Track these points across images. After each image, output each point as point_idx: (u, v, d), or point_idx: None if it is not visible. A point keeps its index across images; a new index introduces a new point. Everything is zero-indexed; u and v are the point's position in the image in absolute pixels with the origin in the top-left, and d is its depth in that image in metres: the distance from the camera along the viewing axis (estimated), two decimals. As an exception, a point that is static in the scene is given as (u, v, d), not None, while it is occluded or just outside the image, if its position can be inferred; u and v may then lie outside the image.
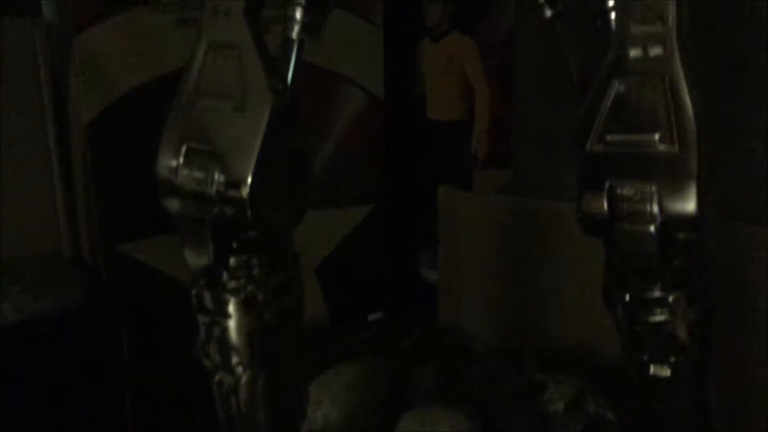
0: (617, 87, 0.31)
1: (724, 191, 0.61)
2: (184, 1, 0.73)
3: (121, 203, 0.74)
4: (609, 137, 0.32)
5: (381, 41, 0.85)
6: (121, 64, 0.73)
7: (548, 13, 0.33)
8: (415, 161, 0.97)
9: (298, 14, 0.31)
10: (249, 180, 0.30)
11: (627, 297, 0.34)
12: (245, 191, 0.30)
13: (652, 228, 0.32)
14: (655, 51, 0.30)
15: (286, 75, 0.32)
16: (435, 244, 0.81)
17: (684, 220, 0.32)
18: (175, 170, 0.32)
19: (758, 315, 0.57)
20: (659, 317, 0.34)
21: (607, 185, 0.32)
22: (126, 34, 0.72)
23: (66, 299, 0.74)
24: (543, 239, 0.76)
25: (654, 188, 0.32)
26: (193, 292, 0.33)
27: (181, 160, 0.32)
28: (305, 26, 0.31)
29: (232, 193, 0.31)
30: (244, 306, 0.32)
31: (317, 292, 0.88)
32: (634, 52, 0.30)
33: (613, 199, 0.33)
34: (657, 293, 0.34)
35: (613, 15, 0.32)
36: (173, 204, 0.32)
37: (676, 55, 0.30)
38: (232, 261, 0.32)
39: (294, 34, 0.31)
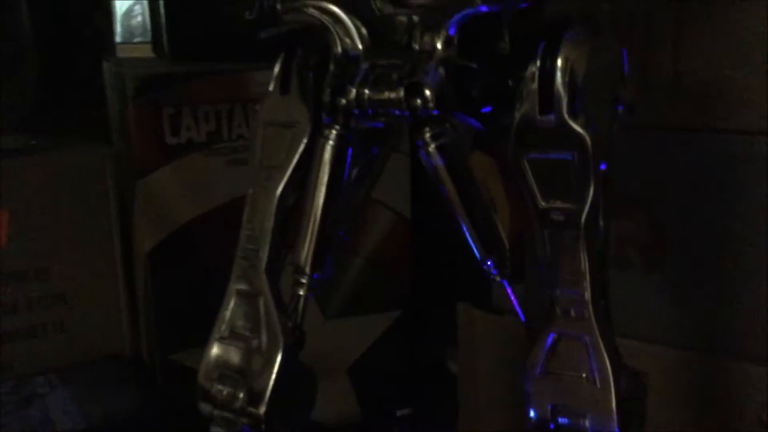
0: (550, 335, 0.39)
1: (718, 327, 0.68)
2: (233, 145, 0.84)
3: (175, 317, 0.85)
4: (549, 369, 0.40)
5: (408, 166, 0.94)
6: (179, 201, 0.83)
7: (498, 278, 0.41)
8: (439, 269, 1.06)
9: (302, 291, 0.41)
10: (266, 399, 0.40)
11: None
12: (262, 409, 0.39)
13: (585, 449, 0.39)
14: (574, 313, 0.38)
15: (296, 317, 0.41)
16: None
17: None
18: (211, 383, 0.42)
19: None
20: None
21: (549, 406, 0.41)
22: (183, 175, 0.82)
23: (125, 401, 0.85)
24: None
25: (587, 412, 0.40)
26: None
27: (217, 375, 0.42)
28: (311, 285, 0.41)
29: (251, 410, 0.40)
30: None
31: (349, 391, 0.96)
32: (558, 310, 0.38)
33: (553, 418, 0.41)
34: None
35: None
36: (206, 408, 0.42)
37: (593, 320, 0.38)
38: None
39: (301, 292, 0.41)
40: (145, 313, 0.88)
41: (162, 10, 0.79)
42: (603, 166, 0.37)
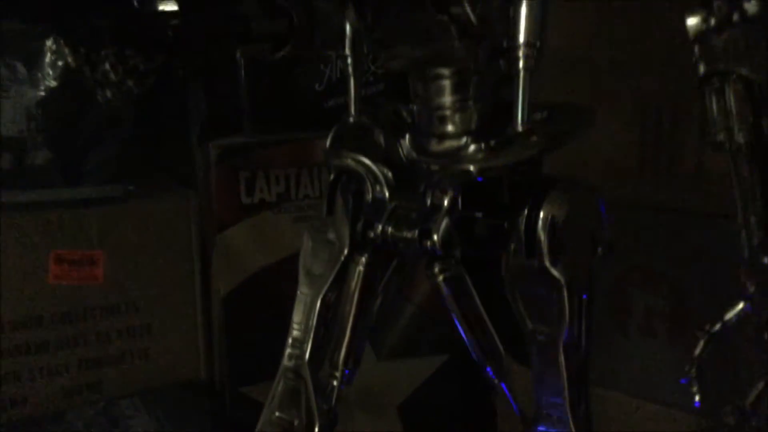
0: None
1: (735, 395, 0.73)
2: (299, 204, 0.94)
3: (246, 354, 0.95)
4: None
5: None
6: (252, 252, 0.93)
7: (496, 381, 0.49)
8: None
9: (335, 383, 0.49)
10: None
11: None
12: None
13: None
14: (555, 417, 0.45)
15: (331, 401, 0.50)
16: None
17: None
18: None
19: None
20: None
21: None
22: (256, 230, 0.93)
23: (198, 427, 0.96)
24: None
25: None
26: None
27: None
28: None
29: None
30: None
31: (398, 427, 1.05)
32: (543, 411, 0.46)
33: None
34: None
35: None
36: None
37: (571, 423, 0.45)
38: None
39: (335, 383, 0.50)
40: (219, 347, 0.99)
41: (243, 83, 0.90)
42: (584, 296, 0.45)
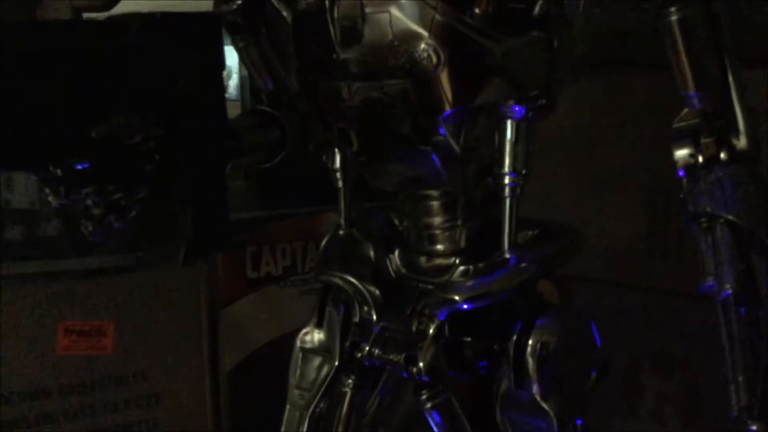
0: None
1: None
2: (305, 277, 0.93)
3: (252, 428, 0.94)
4: None
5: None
6: (256, 326, 0.93)
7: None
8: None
9: None
10: None
11: None
12: None
13: None
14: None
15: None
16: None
17: None
18: None
19: None
20: None
21: None
22: (262, 304, 0.92)
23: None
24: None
25: None
26: None
27: None
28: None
29: None
30: None
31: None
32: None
33: None
34: None
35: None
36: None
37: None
38: None
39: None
40: (225, 421, 0.98)
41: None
42: (579, 423, 0.43)
